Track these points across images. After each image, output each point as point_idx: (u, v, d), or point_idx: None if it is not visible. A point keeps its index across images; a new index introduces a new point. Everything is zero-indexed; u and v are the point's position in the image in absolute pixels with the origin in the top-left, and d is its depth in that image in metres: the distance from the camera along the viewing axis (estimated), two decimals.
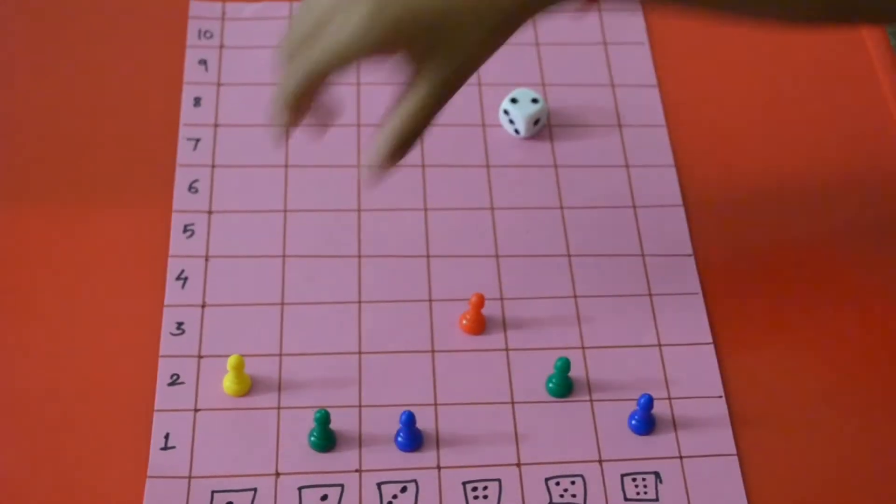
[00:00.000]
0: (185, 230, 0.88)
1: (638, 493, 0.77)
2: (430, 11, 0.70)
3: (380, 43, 0.70)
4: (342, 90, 0.95)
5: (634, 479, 0.78)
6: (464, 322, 0.84)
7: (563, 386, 0.81)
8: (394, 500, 0.76)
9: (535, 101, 0.93)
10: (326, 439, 0.78)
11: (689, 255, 0.88)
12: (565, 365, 0.80)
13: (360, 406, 0.80)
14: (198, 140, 0.93)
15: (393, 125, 0.74)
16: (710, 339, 0.84)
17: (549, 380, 0.81)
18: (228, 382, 0.80)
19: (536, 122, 0.93)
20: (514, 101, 0.93)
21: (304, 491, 0.76)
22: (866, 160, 0.95)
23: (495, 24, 0.71)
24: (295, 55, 0.72)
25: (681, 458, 0.79)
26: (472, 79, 0.74)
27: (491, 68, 0.75)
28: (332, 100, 0.77)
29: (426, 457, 0.78)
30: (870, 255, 0.90)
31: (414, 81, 0.73)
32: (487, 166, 0.92)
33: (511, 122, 0.93)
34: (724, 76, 1.00)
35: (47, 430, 0.78)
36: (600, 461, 0.79)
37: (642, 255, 0.88)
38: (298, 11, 0.74)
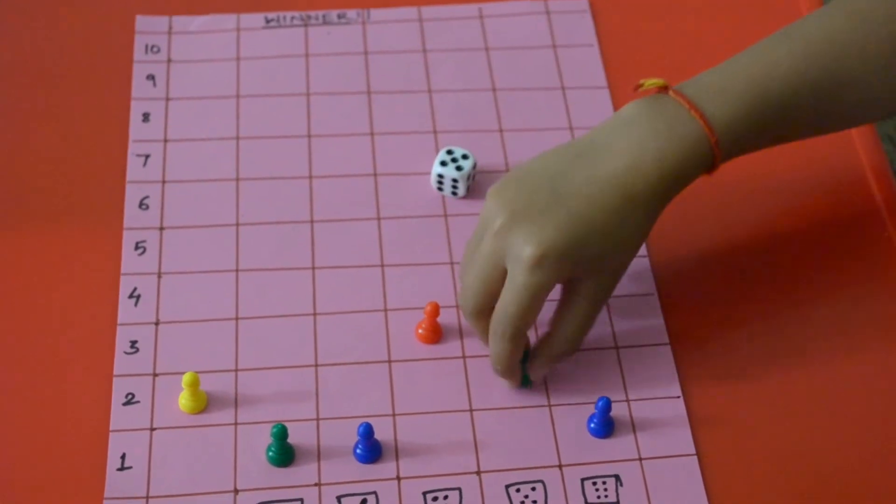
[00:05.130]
0: (136, 247, 0.87)
1: (598, 497, 0.77)
2: (580, 237, 0.76)
3: (550, 285, 0.76)
4: (293, 102, 0.96)
5: (595, 483, 0.78)
6: (420, 331, 0.83)
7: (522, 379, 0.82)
8: None
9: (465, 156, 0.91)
10: (284, 454, 0.77)
11: (644, 257, 0.88)
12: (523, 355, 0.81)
13: (317, 419, 0.79)
14: (147, 156, 0.92)
15: (558, 347, 0.80)
16: (667, 340, 0.84)
17: None
18: (184, 400, 0.79)
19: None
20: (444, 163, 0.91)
21: None
22: (821, 168, 0.95)
23: (634, 223, 0.78)
24: (491, 332, 0.78)
25: (640, 459, 0.79)
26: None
27: None
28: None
29: (385, 468, 0.78)
30: (826, 255, 0.90)
31: (573, 297, 0.79)
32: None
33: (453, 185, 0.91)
34: None
35: (1, 454, 0.78)
36: (560, 466, 0.78)
37: None
38: (465, 268, 0.80)
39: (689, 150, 0.78)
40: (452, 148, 0.91)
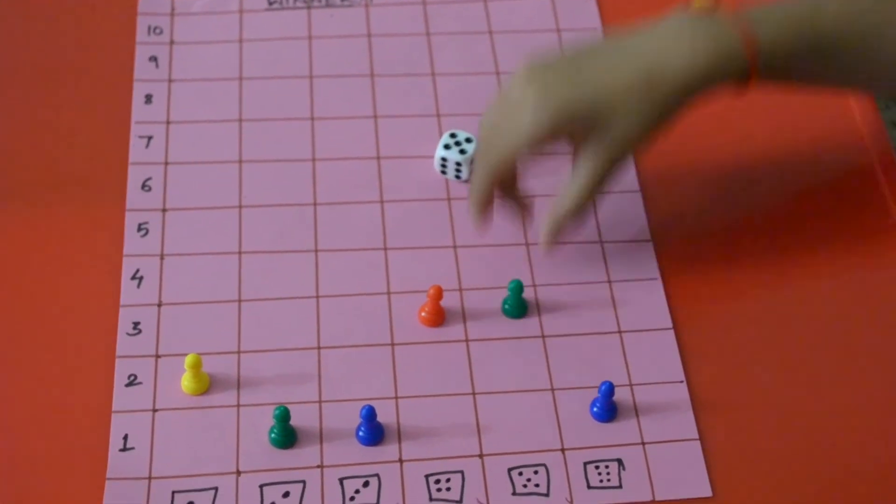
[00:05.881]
0: (139, 229, 0.87)
1: (601, 481, 0.77)
2: (589, 97, 0.78)
3: (546, 132, 0.78)
4: (296, 84, 0.96)
5: (597, 467, 0.78)
6: (423, 314, 0.83)
7: (519, 307, 0.83)
8: (356, 495, 0.76)
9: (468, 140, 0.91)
10: (287, 436, 0.77)
11: (648, 241, 0.88)
12: (518, 287, 0.82)
13: (320, 401, 0.79)
14: (150, 137, 0.92)
15: (560, 206, 0.82)
16: (670, 325, 0.84)
17: (505, 302, 0.83)
18: (186, 381, 0.79)
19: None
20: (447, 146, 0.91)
21: (265, 488, 0.76)
22: (825, 152, 0.95)
23: (651, 104, 0.78)
24: (478, 157, 0.82)
25: (643, 444, 0.79)
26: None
27: None
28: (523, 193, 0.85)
29: (388, 450, 0.78)
30: (830, 240, 0.90)
31: (580, 161, 0.81)
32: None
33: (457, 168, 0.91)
34: None
35: (3, 435, 0.78)
36: (563, 450, 0.78)
37: (600, 242, 0.88)
38: (481, 122, 0.82)
39: (723, 53, 0.79)
40: (456, 131, 0.91)
